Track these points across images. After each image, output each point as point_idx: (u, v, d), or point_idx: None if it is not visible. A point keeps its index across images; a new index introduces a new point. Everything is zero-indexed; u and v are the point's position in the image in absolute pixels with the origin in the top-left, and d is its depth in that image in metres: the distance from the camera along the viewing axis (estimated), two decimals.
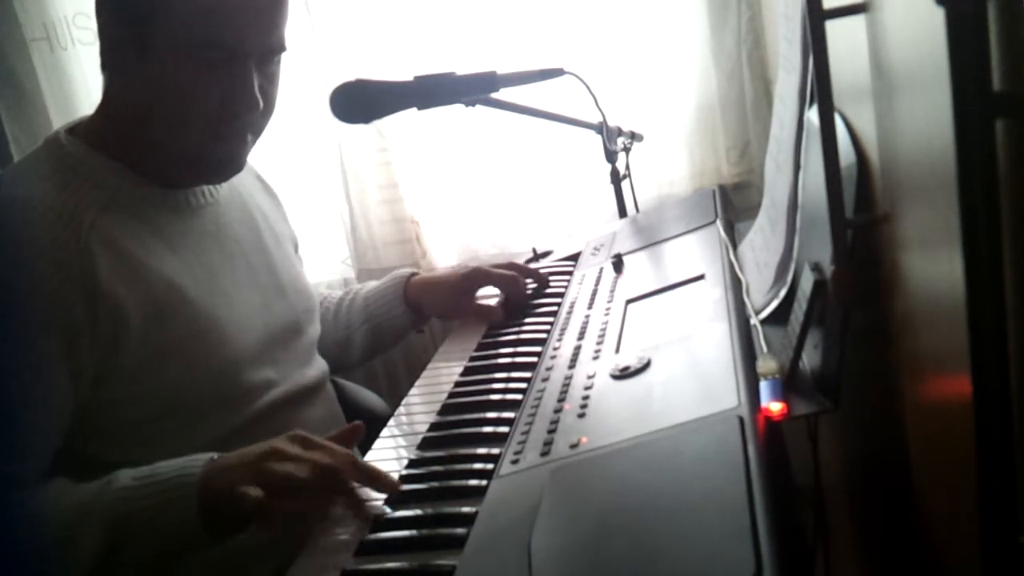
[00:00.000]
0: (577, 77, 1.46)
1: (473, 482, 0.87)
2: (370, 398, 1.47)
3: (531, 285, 1.42)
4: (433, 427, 1.05)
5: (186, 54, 1.02)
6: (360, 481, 0.90)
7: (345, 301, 1.46)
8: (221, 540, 0.90)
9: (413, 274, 1.45)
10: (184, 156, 1.09)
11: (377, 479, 0.90)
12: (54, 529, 0.89)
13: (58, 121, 1.87)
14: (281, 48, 1.09)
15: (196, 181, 1.15)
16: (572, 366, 1.03)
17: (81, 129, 1.11)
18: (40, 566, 0.83)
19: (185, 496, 0.88)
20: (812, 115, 0.83)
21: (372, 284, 1.47)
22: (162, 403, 1.04)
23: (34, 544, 0.84)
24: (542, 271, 1.47)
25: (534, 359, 1.13)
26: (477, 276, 1.40)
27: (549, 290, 1.39)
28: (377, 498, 0.90)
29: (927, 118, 0.54)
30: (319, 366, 1.27)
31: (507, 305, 1.39)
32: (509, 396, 1.05)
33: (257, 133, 1.12)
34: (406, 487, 0.91)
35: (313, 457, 0.89)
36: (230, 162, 1.12)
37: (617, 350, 1.01)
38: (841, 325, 0.75)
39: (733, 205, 1.53)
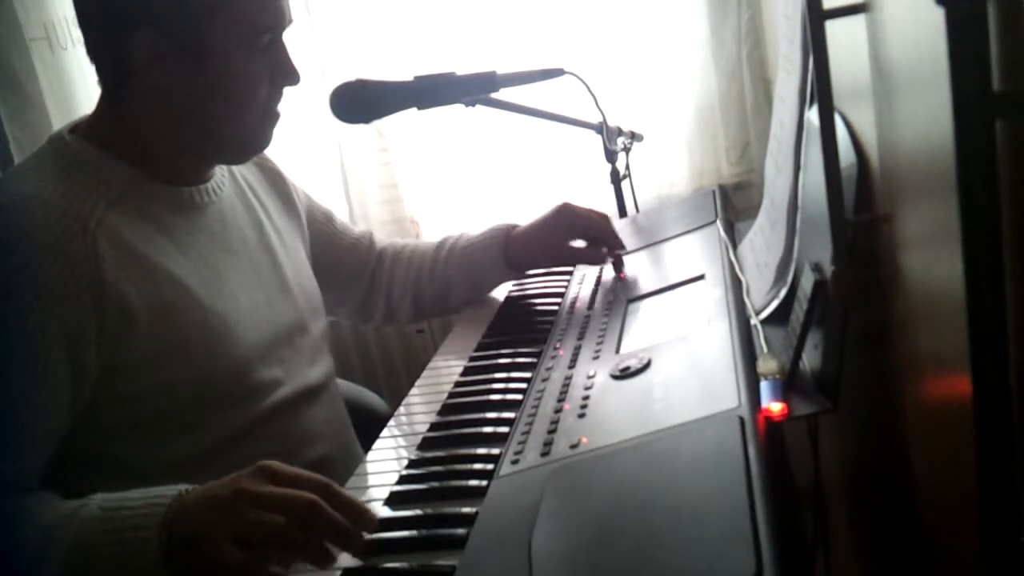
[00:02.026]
0: (577, 77, 1.45)
1: (473, 482, 0.87)
2: (370, 398, 1.47)
3: (533, 281, 1.42)
4: (433, 427, 1.05)
5: (244, 47, 1.06)
6: (338, 509, 0.81)
7: (441, 256, 1.44)
8: None
9: (512, 227, 1.43)
10: (235, 144, 1.14)
11: (354, 510, 0.82)
12: (26, 544, 0.88)
13: (58, 121, 1.87)
14: (292, 19, 1.15)
15: (231, 159, 1.19)
16: (572, 366, 1.03)
17: (82, 130, 1.11)
18: (10, 572, 0.82)
19: (147, 538, 0.83)
20: (812, 115, 0.83)
21: (468, 237, 1.45)
22: (170, 401, 1.04)
23: (8, 551, 0.83)
24: (542, 270, 1.47)
25: (534, 359, 1.13)
26: (563, 214, 1.39)
27: (549, 290, 1.39)
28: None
29: (927, 118, 0.54)
30: (325, 365, 1.27)
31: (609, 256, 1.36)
32: (509, 396, 1.05)
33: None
34: (406, 487, 0.92)
35: (287, 494, 0.81)
36: (271, 137, 1.17)
37: (617, 350, 1.01)
38: (841, 325, 0.75)
39: (733, 205, 1.53)
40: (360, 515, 0.82)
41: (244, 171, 1.28)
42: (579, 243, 1.40)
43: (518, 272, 1.44)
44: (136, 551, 0.83)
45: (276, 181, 1.34)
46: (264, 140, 1.16)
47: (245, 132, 1.12)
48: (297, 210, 1.35)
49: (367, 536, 0.82)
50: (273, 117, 1.15)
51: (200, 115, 1.08)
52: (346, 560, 0.82)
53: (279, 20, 1.09)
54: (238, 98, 1.08)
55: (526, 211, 1.88)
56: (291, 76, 1.12)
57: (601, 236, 1.38)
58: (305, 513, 0.79)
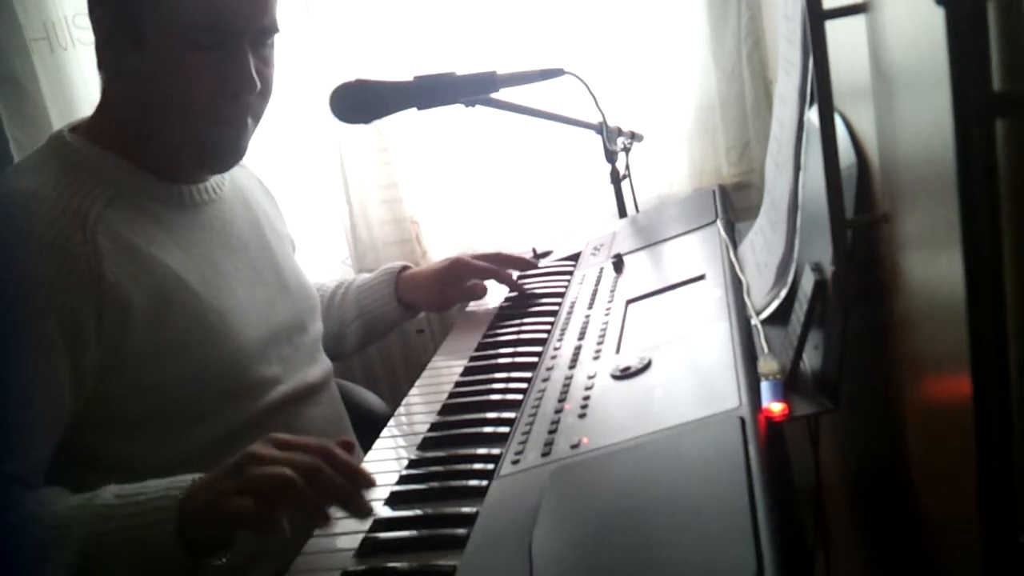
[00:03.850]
0: (577, 77, 1.46)
1: (473, 482, 0.87)
2: (370, 398, 1.47)
3: (533, 281, 1.43)
4: (433, 427, 1.05)
5: (181, 40, 1.03)
6: (338, 471, 0.84)
7: (338, 295, 1.47)
8: (203, 561, 0.87)
9: (404, 268, 1.47)
10: (187, 144, 1.09)
11: (353, 471, 0.84)
12: (35, 537, 0.88)
13: (58, 121, 1.87)
14: (274, 29, 1.10)
15: (200, 171, 1.16)
16: (572, 366, 1.03)
17: (83, 128, 1.12)
18: (18, 569, 0.83)
19: (165, 520, 0.84)
20: (812, 115, 0.83)
21: (363, 277, 1.49)
22: (168, 398, 1.04)
23: (14, 546, 0.84)
24: (542, 270, 1.47)
25: (534, 359, 1.13)
26: (458, 267, 1.44)
27: (549, 290, 1.39)
28: (372, 497, 0.88)
29: (927, 118, 0.54)
30: (323, 364, 1.27)
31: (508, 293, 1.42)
32: (509, 396, 1.05)
33: (257, 117, 1.13)
34: (406, 487, 0.91)
35: (291, 457, 0.84)
36: (233, 147, 1.12)
37: (617, 350, 1.01)
38: (841, 325, 0.75)
39: (733, 205, 1.53)
40: (360, 477, 0.84)
41: (244, 176, 1.29)
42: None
43: (409, 310, 1.46)
44: (153, 533, 0.84)
45: (270, 196, 1.37)
46: (223, 148, 1.11)
47: (191, 135, 1.08)
48: (286, 225, 1.38)
49: (366, 501, 0.84)
50: (230, 124, 1.09)
51: (151, 112, 1.07)
52: (346, 560, 0.82)
53: (225, 21, 1.04)
54: (174, 96, 1.05)
55: (526, 211, 1.90)
56: (239, 84, 1.06)
57: (501, 275, 1.43)
58: (309, 472, 0.82)
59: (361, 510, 0.83)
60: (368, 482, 0.85)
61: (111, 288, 0.99)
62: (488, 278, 1.45)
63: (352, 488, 0.83)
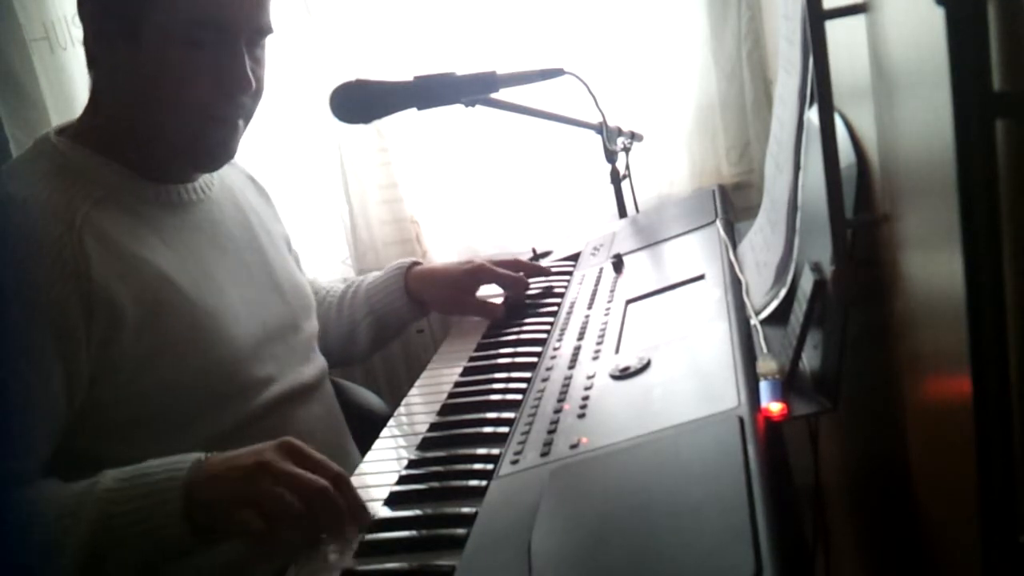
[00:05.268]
0: (577, 77, 1.45)
1: (473, 482, 0.87)
2: (370, 398, 1.47)
3: (533, 281, 1.43)
4: (433, 427, 1.05)
5: (177, 37, 1.03)
6: (344, 498, 0.87)
7: (348, 294, 1.46)
8: (207, 545, 0.89)
9: (414, 263, 1.45)
10: (179, 142, 1.09)
11: (356, 505, 0.87)
12: (40, 530, 0.89)
13: (58, 121, 1.85)
14: (269, 29, 1.10)
15: (189, 170, 1.16)
16: (572, 366, 1.03)
17: (71, 130, 1.12)
18: (27, 566, 0.84)
19: (169, 500, 0.86)
20: (812, 115, 0.83)
21: (374, 275, 1.47)
22: (160, 400, 1.04)
23: (21, 544, 0.84)
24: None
25: (534, 359, 1.13)
26: (480, 273, 1.40)
27: (549, 290, 1.39)
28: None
29: (927, 118, 0.54)
30: (318, 363, 1.27)
31: (507, 303, 1.39)
32: (509, 396, 1.05)
33: (248, 118, 1.13)
34: (406, 488, 0.91)
35: (302, 476, 0.86)
36: (224, 147, 1.12)
37: (617, 350, 1.01)
38: (841, 325, 0.75)
39: (733, 205, 1.53)
40: (359, 510, 0.87)
41: (234, 175, 1.29)
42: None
43: (419, 306, 1.43)
44: (159, 514, 0.86)
45: (263, 193, 1.37)
46: (215, 147, 1.11)
47: (184, 133, 1.08)
48: (281, 222, 1.38)
49: (362, 535, 0.85)
50: (224, 123, 1.10)
51: (143, 110, 1.07)
52: (346, 560, 0.82)
53: (223, 19, 1.04)
54: (168, 93, 1.05)
55: (526, 211, 1.90)
56: (235, 83, 1.07)
57: (516, 294, 1.40)
58: (317, 499, 0.85)
59: (347, 541, 0.85)
60: (365, 519, 0.87)
61: (99, 290, 0.99)
62: (509, 285, 1.41)
63: (350, 519, 0.86)
